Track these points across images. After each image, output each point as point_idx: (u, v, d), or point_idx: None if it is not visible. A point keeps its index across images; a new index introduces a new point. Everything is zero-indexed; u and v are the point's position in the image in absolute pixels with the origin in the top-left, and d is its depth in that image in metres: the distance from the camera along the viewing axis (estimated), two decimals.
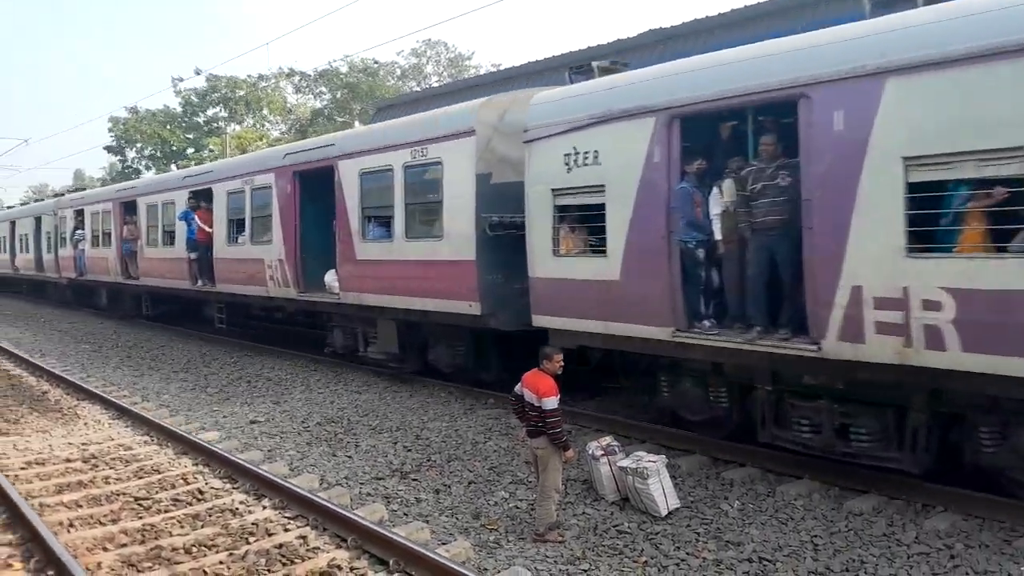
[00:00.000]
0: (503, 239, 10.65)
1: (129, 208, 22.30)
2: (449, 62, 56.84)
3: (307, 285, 14.66)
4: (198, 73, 46.86)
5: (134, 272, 21.60)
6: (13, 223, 34.35)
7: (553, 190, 9.50)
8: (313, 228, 14.68)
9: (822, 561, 6.12)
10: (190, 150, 56.94)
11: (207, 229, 17.63)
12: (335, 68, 53.60)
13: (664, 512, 7.07)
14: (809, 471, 7.79)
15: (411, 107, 25.74)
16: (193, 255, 18.12)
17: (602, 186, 8.90)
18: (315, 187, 14.37)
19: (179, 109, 58.67)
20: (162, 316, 22.64)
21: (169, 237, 19.68)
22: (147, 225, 21.19)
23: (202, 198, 18.10)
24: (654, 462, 7.27)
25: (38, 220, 30.69)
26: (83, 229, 25.11)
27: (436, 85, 46.88)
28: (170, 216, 19.41)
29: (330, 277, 13.76)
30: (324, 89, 56.35)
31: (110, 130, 58.04)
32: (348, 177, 13.23)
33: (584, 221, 9.38)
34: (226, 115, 58.19)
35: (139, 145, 58.36)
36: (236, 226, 16.86)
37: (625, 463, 7.40)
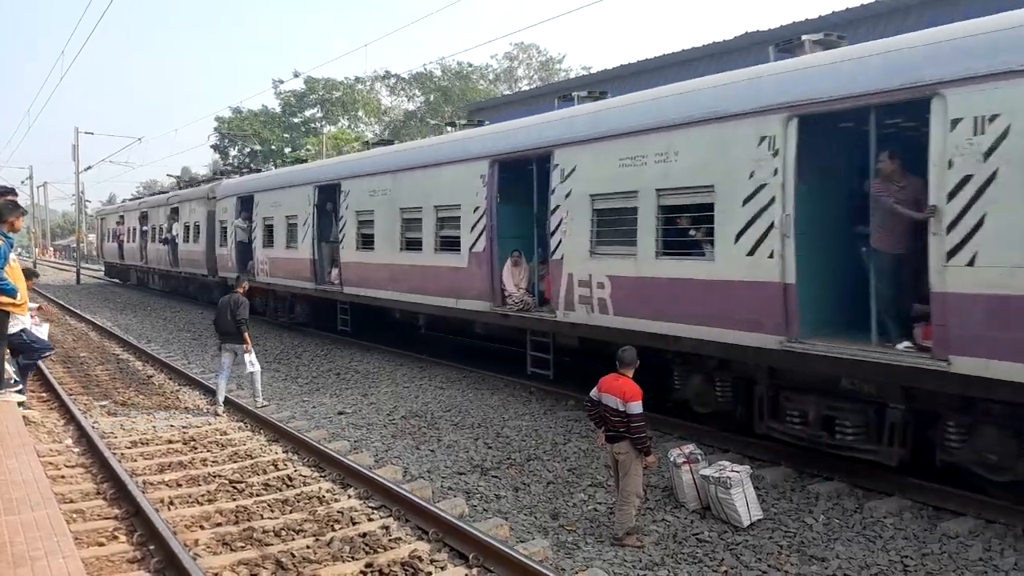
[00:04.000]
0: None
1: None
2: (540, 65, 57.10)
3: None
4: (296, 75, 48.53)
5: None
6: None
7: None
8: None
9: None
10: (287, 149, 59.06)
11: None
12: (429, 71, 54.62)
13: (746, 523, 6.95)
14: (900, 488, 7.53)
15: (502, 110, 26.01)
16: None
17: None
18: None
19: (278, 110, 60.90)
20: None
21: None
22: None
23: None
24: (738, 472, 7.15)
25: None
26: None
27: (526, 88, 47.14)
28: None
29: None
30: (418, 92, 57.49)
31: (216, 128, 60.71)
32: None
33: None
34: (321, 116, 60.07)
35: (240, 144, 60.87)
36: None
37: (708, 472, 7.31)
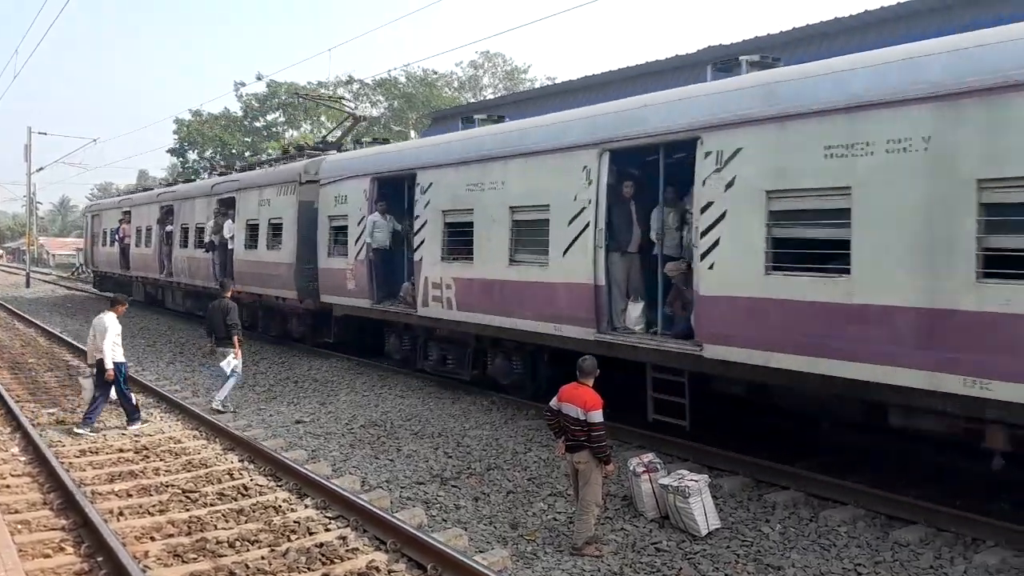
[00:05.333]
0: None
1: None
2: (505, 75, 57.31)
3: None
4: (259, 79, 48.01)
5: None
6: None
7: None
8: None
9: None
10: (247, 153, 58.31)
11: None
12: (393, 78, 54.43)
13: (704, 532, 7.00)
14: (854, 497, 7.64)
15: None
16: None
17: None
18: None
19: (240, 113, 60.14)
20: None
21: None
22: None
23: None
24: (696, 481, 7.20)
25: None
26: None
27: (492, 97, 47.26)
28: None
29: None
30: (382, 98, 57.22)
31: (175, 132, 59.71)
32: None
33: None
34: (284, 120, 59.44)
35: (200, 147, 59.96)
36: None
37: (666, 481, 7.35)
